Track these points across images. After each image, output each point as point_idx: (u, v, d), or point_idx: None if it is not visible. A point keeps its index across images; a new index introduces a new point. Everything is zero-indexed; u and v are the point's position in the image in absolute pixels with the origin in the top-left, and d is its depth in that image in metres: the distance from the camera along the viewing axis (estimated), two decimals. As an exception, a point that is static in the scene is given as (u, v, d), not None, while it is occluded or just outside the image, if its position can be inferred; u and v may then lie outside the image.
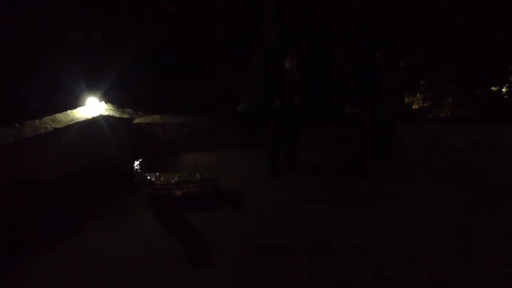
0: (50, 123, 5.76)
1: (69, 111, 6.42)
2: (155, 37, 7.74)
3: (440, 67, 8.12)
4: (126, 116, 7.26)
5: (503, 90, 8.71)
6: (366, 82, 6.25)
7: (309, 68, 5.99)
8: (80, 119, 6.22)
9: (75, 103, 6.80)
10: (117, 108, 7.43)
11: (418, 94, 8.15)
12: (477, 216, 4.74)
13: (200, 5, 7.85)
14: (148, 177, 5.16)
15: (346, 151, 6.64)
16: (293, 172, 6.26)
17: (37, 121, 5.71)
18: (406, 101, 7.72)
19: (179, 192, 5.02)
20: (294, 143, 6.16)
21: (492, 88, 8.72)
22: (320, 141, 7.17)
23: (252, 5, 7.84)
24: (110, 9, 7.57)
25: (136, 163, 6.41)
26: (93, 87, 7.23)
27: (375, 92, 6.05)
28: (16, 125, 5.36)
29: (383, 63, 6.00)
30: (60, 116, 6.17)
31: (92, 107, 6.84)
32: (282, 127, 5.96)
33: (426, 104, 8.20)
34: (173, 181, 5.06)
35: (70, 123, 5.97)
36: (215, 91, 7.82)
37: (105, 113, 6.88)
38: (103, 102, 7.21)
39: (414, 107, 8.15)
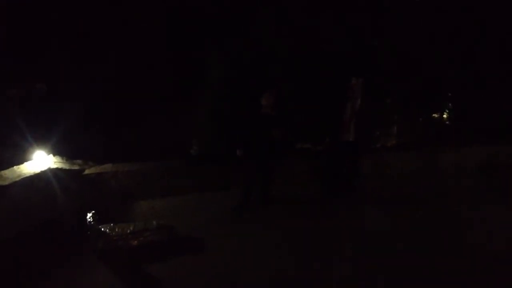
0: (-5, 180, 5.55)
1: (15, 167, 6.19)
2: (100, 86, 7.70)
3: (383, 98, 8.53)
4: (76, 167, 7.08)
5: (444, 116, 9.25)
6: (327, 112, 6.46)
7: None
8: (27, 175, 6.01)
9: (22, 158, 6.57)
10: (66, 160, 7.24)
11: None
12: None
13: (143, 47, 7.94)
14: (102, 229, 4.99)
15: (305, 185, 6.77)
16: (267, 206, 6.32)
17: (-20, 179, 5.49)
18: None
19: (136, 242, 4.86)
20: (269, 178, 6.33)
21: (434, 115, 9.24)
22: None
23: (194, 47, 8.01)
24: (53, 64, 7.51)
25: (89, 215, 6.21)
26: (40, 140, 7.03)
27: (341, 121, 6.25)
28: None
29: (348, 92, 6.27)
30: (6, 172, 5.94)
31: (40, 161, 6.63)
32: (257, 164, 6.10)
33: (373, 134, 8.54)
34: (128, 231, 4.91)
35: (17, 179, 5.75)
36: (167, 135, 7.82)
37: (54, 166, 6.69)
38: (51, 155, 7.02)
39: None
